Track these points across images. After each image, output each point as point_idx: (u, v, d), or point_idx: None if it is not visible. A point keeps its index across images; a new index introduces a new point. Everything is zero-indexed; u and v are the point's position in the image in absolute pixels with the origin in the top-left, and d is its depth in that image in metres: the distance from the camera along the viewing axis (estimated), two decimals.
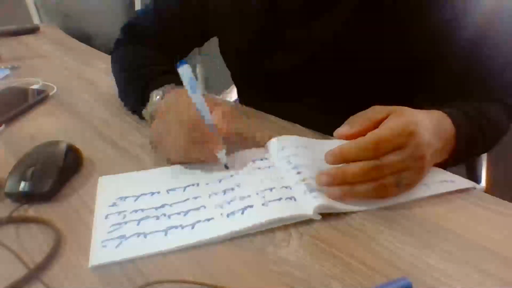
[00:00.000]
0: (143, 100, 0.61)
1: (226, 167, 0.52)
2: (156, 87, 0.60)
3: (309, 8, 0.63)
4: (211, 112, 0.51)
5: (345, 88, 0.64)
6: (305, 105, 0.67)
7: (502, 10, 0.58)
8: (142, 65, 0.69)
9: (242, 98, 0.86)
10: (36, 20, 1.69)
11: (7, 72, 0.95)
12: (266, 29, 0.67)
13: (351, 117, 0.47)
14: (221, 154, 0.51)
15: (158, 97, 0.59)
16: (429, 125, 0.46)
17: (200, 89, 0.51)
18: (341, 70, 0.63)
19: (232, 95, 1.15)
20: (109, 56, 0.79)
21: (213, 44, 0.82)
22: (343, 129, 0.46)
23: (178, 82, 0.59)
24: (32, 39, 1.27)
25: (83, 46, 1.19)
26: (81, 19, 1.71)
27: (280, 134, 0.57)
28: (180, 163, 0.53)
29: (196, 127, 0.50)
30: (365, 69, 0.62)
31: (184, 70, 0.49)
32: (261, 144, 0.56)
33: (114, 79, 0.75)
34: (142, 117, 0.64)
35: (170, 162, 0.54)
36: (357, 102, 0.50)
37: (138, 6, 1.78)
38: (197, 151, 0.51)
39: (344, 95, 0.62)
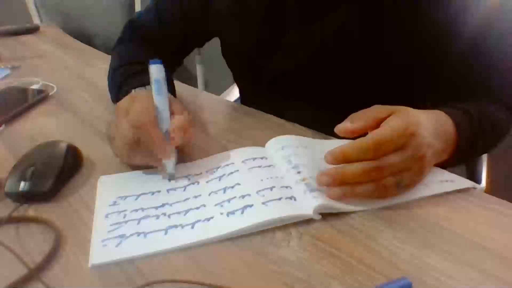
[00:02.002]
0: (118, 99, 0.61)
1: (171, 178, 0.50)
2: (129, 88, 0.59)
3: (310, 9, 0.63)
4: (172, 118, 0.50)
5: (346, 88, 0.64)
6: (306, 105, 0.67)
7: (502, 10, 0.58)
8: (130, 62, 0.69)
9: (244, 98, 0.86)
10: (36, 20, 1.69)
11: (7, 72, 0.95)
12: (267, 30, 0.67)
13: (352, 114, 0.47)
14: (168, 163, 0.49)
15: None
16: (430, 125, 0.46)
17: (165, 92, 0.50)
18: (342, 70, 0.63)
19: (232, 95, 1.15)
20: (109, 56, 0.79)
21: (213, 44, 0.83)
22: (344, 125, 0.46)
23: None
24: (32, 39, 1.26)
25: (83, 46, 1.19)
26: (81, 19, 1.71)
27: (280, 134, 0.57)
28: (129, 164, 0.52)
29: (144, 130, 0.47)
30: (365, 69, 0.62)
31: (154, 69, 0.48)
32: (261, 144, 0.56)
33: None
34: None
35: (121, 161, 0.53)
36: (358, 102, 0.50)
37: (138, 6, 1.78)
38: (142, 155, 0.49)
39: (345, 95, 0.62)
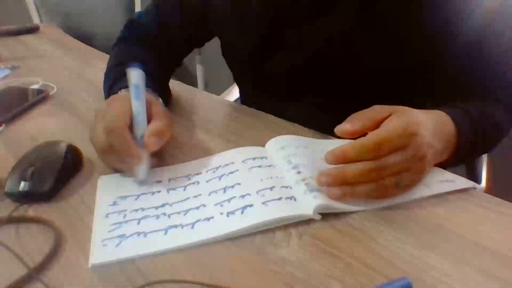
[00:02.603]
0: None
1: (143, 184, 0.49)
2: (117, 89, 0.60)
3: (310, 8, 0.63)
4: (148, 123, 0.50)
5: (346, 87, 0.64)
6: (306, 105, 0.67)
7: (502, 10, 0.58)
8: (117, 64, 0.69)
9: (244, 97, 0.86)
10: (36, 20, 1.69)
11: (7, 72, 0.95)
12: (267, 30, 0.67)
13: (352, 115, 0.47)
14: (140, 169, 0.49)
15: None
16: (430, 125, 0.46)
17: (143, 97, 0.50)
18: (343, 70, 0.63)
19: (232, 95, 1.15)
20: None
21: (213, 44, 0.83)
22: (344, 126, 0.46)
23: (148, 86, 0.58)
24: (32, 39, 1.26)
25: (83, 46, 1.19)
26: (81, 19, 1.71)
27: (280, 134, 0.57)
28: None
29: (116, 135, 0.48)
30: (366, 68, 0.62)
31: (132, 74, 0.49)
32: (261, 144, 0.56)
33: None
34: None
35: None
36: (358, 101, 0.50)
37: (138, 6, 1.78)
38: (114, 159, 0.50)
39: (346, 94, 0.62)
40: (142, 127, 0.50)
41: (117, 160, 0.50)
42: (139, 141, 0.49)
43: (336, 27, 0.62)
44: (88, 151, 0.57)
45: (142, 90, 0.51)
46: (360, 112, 0.47)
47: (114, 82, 0.64)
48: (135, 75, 0.50)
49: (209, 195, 0.47)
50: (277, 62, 0.68)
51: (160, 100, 0.60)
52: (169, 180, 0.51)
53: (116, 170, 0.52)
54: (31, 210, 0.47)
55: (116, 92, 0.59)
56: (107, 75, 0.71)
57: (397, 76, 0.61)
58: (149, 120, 0.51)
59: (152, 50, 0.74)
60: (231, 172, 0.50)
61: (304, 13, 0.64)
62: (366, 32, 0.60)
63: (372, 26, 0.59)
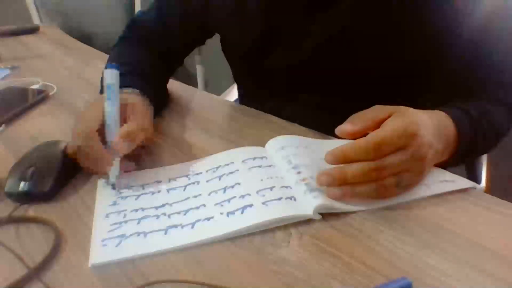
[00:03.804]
0: None
1: (113, 187, 0.49)
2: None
3: (310, 5, 0.63)
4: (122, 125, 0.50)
5: (346, 86, 0.64)
6: (306, 104, 0.67)
7: (502, 10, 0.58)
8: (126, 63, 0.69)
9: (244, 97, 0.86)
10: (36, 20, 1.69)
11: (7, 72, 0.95)
12: (267, 26, 0.67)
13: (352, 115, 0.47)
14: (110, 172, 0.48)
15: None
16: (431, 125, 0.46)
17: (117, 98, 0.50)
18: (343, 68, 0.63)
19: (232, 95, 1.15)
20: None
21: (213, 44, 0.83)
22: (345, 127, 0.46)
23: (142, 87, 0.60)
24: (32, 39, 1.27)
25: (83, 46, 1.19)
26: (81, 19, 1.71)
27: (280, 134, 0.57)
28: None
29: (86, 138, 0.49)
30: (366, 67, 0.62)
31: (108, 74, 0.49)
32: (261, 144, 0.56)
33: None
34: None
35: None
36: (358, 101, 0.50)
37: (138, 6, 1.78)
38: (86, 162, 0.50)
39: (346, 93, 0.62)
40: (114, 130, 0.49)
41: (88, 163, 0.50)
42: (109, 145, 0.49)
43: (334, 25, 0.62)
44: None
45: (115, 91, 0.50)
46: (360, 112, 0.47)
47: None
48: (108, 75, 0.49)
49: (209, 195, 0.47)
50: (276, 59, 0.68)
51: (147, 101, 0.60)
52: (169, 180, 0.51)
53: (91, 173, 0.52)
54: (31, 210, 0.47)
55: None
56: (102, 75, 0.70)
57: (397, 75, 0.61)
58: (125, 122, 0.51)
59: (153, 50, 0.74)
60: (231, 172, 0.50)
61: (306, 8, 0.64)
62: (366, 30, 0.60)
63: (372, 24, 0.59)
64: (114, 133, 0.49)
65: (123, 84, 0.57)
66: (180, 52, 0.80)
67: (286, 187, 0.47)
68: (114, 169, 0.49)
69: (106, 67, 0.50)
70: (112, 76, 0.49)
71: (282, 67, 0.68)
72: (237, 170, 0.51)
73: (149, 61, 0.72)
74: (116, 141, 0.49)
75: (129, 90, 0.60)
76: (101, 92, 0.61)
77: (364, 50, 0.61)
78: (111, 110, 0.49)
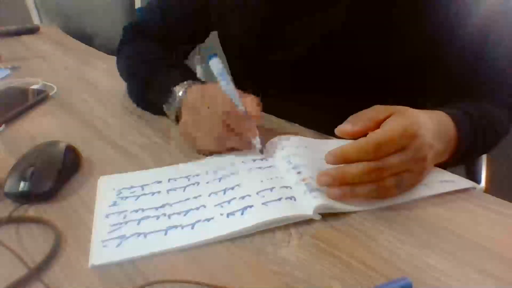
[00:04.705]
0: (163, 95, 0.62)
1: (261, 152, 0.54)
2: (177, 83, 0.61)
3: (311, 1, 0.63)
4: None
5: (346, 85, 0.64)
6: (306, 104, 0.67)
7: (503, 10, 0.58)
8: (155, 59, 0.70)
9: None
10: (36, 20, 1.69)
11: (7, 72, 0.95)
12: (267, 23, 0.67)
13: (352, 116, 0.47)
14: (256, 140, 0.53)
15: (181, 92, 0.59)
16: (431, 126, 0.46)
17: (231, 80, 0.53)
18: (342, 66, 0.63)
19: None
20: (109, 56, 0.80)
21: (213, 44, 0.82)
22: (345, 127, 0.46)
23: (195, 77, 0.62)
24: (32, 39, 1.27)
25: (83, 46, 1.19)
26: (81, 19, 1.71)
27: (280, 134, 0.57)
28: (214, 153, 0.55)
29: (229, 116, 0.52)
30: (365, 65, 0.62)
31: (215, 63, 0.52)
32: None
33: (123, 76, 0.75)
34: (158, 113, 0.65)
35: (203, 153, 0.56)
36: (358, 101, 0.50)
37: (138, 6, 1.78)
38: (232, 140, 0.53)
39: (346, 93, 0.62)
40: (240, 106, 0.52)
41: (235, 140, 0.53)
42: (246, 116, 0.52)
43: (338, 21, 0.61)
44: (88, 151, 0.57)
45: (225, 72, 0.53)
46: (360, 112, 0.47)
47: (167, 79, 0.63)
48: (217, 63, 0.52)
49: (209, 196, 0.47)
50: (278, 54, 0.68)
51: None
52: (169, 180, 0.51)
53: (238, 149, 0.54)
54: (31, 210, 0.47)
55: (190, 86, 0.60)
56: (141, 73, 0.70)
57: (396, 73, 0.61)
58: None
59: (159, 45, 0.74)
60: (231, 174, 0.50)
61: (306, 5, 0.64)
62: (367, 28, 0.60)
63: (373, 22, 0.59)
64: (243, 106, 0.52)
65: (175, 82, 0.60)
66: (181, 51, 0.80)
67: (286, 187, 0.47)
68: (258, 136, 0.53)
69: (209, 59, 0.52)
70: (219, 63, 0.53)
71: (281, 64, 0.68)
72: (237, 172, 0.51)
73: (170, 55, 0.72)
74: (252, 109, 0.52)
75: (186, 82, 0.61)
76: (144, 100, 0.64)
77: (363, 47, 0.61)
78: (232, 89, 0.52)
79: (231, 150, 0.55)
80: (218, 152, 0.55)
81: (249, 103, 0.53)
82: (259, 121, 0.53)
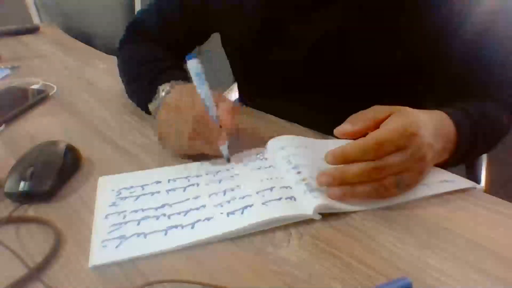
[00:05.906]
0: (150, 94, 0.62)
1: (228, 160, 0.53)
2: (163, 82, 0.61)
3: (310, 2, 0.63)
4: (216, 106, 0.52)
5: (345, 85, 0.64)
6: (306, 104, 0.67)
7: (502, 9, 0.58)
8: (149, 60, 0.70)
9: (243, 96, 0.86)
10: (36, 20, 1.69)
11: (7, 72, 0.95)
12: (267, 23, 0.67)
13: (352, 116, 0.47)
14: (224, 148, 0.52)
15: (164, 92, 0.60)
16: (430, 125, 0.46)
17: (207, 83, 0.52)
18: (342, 65, 0.63)
19: (232, 96, 1.15)
20: (109, 56, 0.79)
21: (213, 44, 0.82)
22: (344, 127, 0.46)
23: (184, 78, 0.61)
24: (32, 39, 1.27)
25: (83, 46, 1.19)
26: (81, 19, 1.71)
27: (280, 134, 0.57)
28: (184, 154, 0.55)
29: (200, 121, 0.51)
30: (364, 66, 0.62)
31: (192, 64, 0.51)
32: (261, 144, 0.56)
33: (121, 77, 0.75)
34: (148, 112, 0.65)
35: (177, 153, 0.56)
36: (357, 101, 0.50)
37: (138, 6, 1.78)
38: (200, 144, 0.52)
39: (345, 93, 0.62)
40: (214, 111, 0.52)
41: (202, 145, 0.52)
42: (217, 123, 0.52)
43: (336, 21, 0.61)
44: (88, 151, 0.57)
45: (203, 77, 0.53)
46: (360, 112, 0.47)
47: (154, 78, 0.63)
48: (195, 64, 0.52)
49: (209, 196, 0.47)
50: (277, 54, 0.68)
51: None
52: (169, 181, 0.51)
53: (189, 156, 0.55)
54: (31, 210, 0.47)
55: (173, 86, 0.60)
56: (135, 74, 0.71)
57: (395, 74, 0.61)
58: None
59: (158, 46, 0.74)
60: (231, 176, 0.50)
61: (305, 6, 0.64)
62: (367, 27, 0.60)
63: (373, 22, 0.59)
64: (216, 113, 0.52)
65: (174, 77, 0.60)
66: (181, 52, 0.80)
67: (286, 187, 0.47)
68: (226, 144, 0.52)
69: (187, 60, 0.52)
70: (197, 65, 0.52)
71: (281, 64, 0.68)
72: (237, 173, 0.51)
73: (169, 56, 0.72)
74: (224, 116, 0.52)
75: (170, 82, 0.61)
76: (147, 99, 0.63)
77: (361, 48, 0.61)
78: (207, 93, 0.52)
79: (201, 154, 0.54)
80: (188, 153, 0.55)
81: (223, 110, 0.52)
82: (229, 130, 0.52)
